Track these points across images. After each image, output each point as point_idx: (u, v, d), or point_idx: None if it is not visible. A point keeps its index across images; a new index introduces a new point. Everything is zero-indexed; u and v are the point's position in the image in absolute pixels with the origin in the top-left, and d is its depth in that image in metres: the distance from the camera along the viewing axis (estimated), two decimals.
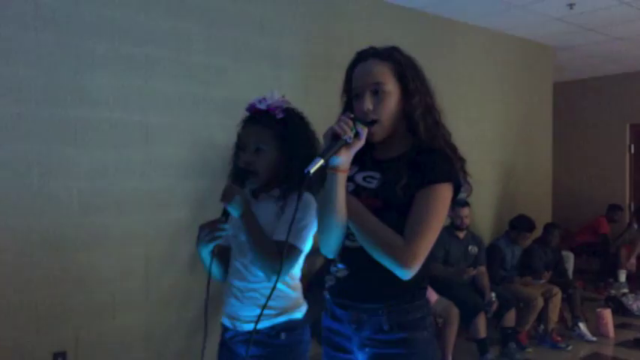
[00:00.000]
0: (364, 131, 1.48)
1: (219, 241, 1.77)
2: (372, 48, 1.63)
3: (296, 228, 1.75)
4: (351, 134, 1.44)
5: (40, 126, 3.17)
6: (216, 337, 2.01)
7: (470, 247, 4.68)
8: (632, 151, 7.85)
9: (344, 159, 1.46)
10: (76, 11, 3.28)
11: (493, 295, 4.50)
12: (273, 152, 1.85)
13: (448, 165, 1.53)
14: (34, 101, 3.16)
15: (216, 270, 1.93)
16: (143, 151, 3.54)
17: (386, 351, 1.56)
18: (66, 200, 3.24)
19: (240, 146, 1.91)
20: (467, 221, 4.65)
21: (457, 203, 4.43)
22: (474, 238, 4.78)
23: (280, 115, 1.86)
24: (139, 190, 3.52)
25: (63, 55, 3.24)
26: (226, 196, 1.75)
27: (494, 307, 4.47)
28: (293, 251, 1.79)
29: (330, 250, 1.62)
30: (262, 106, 1.87)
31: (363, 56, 1.62)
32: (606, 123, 7.89)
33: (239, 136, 1.94)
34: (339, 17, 4.52)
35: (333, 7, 4.50)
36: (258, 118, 1.88)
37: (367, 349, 1.58)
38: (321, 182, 1.53)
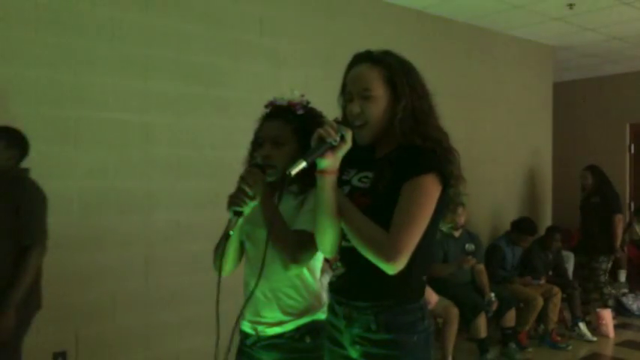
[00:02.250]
0: (349, 134, 1.51)
1: (245, 210, 1.69)
2: (366, 52, 1.64)
3: (311, 216, 1.71)
4: (337, 137, 1.48)
5: (40, 126, 3.17)
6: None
7: (467, 245, 4.71)
8: (632, 151, 7.83)
9: (330, 162, 1.50)
10: (76, 11, 3.29)
11: (493, 294, 4.50)
12: (292, 146, 1.82)
13: (430, 156, 1.54)
14: (34, 101, 3.16)
15: (232, 256, 1.88)
16: (143, 151, 3.54)
17: (374, 350, 1.58)
18: (66, 200, 3.24)
19: (258, 143, 1.88)
20: (461, 220, 4.67)
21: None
22: (471, 236, 4.82)
23: (300, 111, 1.86)
24: (138, 190, 3.52)
25: (63, 55, 3.24)
26: (247, 179, 1.70)
27: (494, 306, 4.47)
28: (311, 238, 1.71)
29: (326, 250, 1.65)
30: (283, 102, 1.88)
31: (357, 60, 1.64)
32: (606, 123, 7.88)
33: (257, 134, 1.91)
34: (339, 17, 4.52)
35: (333, 7, 4.50)
36: (278, 113, 1.87)
37: (358, 347, 1.61)
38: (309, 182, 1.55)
